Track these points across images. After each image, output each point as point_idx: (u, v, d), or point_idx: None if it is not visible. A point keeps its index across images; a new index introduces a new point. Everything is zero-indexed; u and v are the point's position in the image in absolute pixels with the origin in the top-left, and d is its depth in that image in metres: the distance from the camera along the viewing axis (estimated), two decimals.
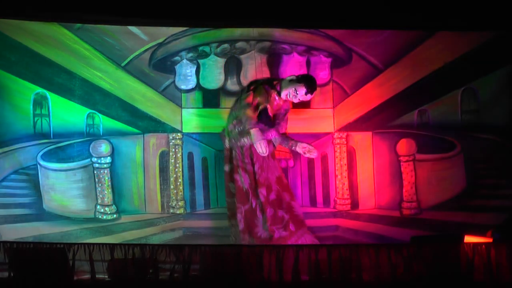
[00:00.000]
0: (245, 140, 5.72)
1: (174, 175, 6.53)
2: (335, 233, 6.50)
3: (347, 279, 4.71)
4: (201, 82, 6.63)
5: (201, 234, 6.39)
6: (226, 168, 5.87)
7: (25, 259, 4.64)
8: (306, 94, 5.76)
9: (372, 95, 6.67)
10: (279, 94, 5.79)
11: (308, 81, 5.78)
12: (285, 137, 5.92)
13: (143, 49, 6.52)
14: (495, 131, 6.55)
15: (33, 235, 6.02)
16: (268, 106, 5.72)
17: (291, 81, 5.78)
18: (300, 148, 5.81)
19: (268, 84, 5.77)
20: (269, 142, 5.78)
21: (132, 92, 6.53)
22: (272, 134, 5.78)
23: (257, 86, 5.70)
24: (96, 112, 6.47)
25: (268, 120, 5.75)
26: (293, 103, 5.96)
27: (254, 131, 5.54)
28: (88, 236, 6.22)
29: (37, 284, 4.58)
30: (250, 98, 5.62)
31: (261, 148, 5.53)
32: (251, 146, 5.70)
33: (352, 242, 6.22)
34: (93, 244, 4.78)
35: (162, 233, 6.41)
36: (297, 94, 5.74)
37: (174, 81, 6.60)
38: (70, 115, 6.42)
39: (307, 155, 5.85)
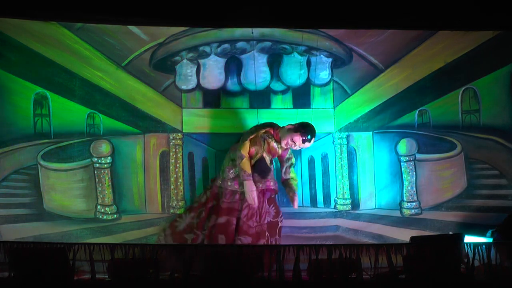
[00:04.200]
0: (234, 186, 5.82)
1: (175, 175, 6.53)
2: (335, 233, 6.50)
3: (347, 279, 4.71)
4: (201, 82, 6.63)
5: None
6: (211, 204, 5.91)
7: (25, 259, 4.63)
8: (303, 142, 5.79)
9: (372, 95, 6.67)
10: (278, 142, 5.87)
11: (303, 130, 5.79)
12: (289, 185, 6.00)
13: (143, 49, 6.52)
14: (495, 131, 6.55)
15: (33, 235, 6.03)
16: (265, 155, 5.82)
17: (288, 130, 5.82)
18: (294, 202, 5.90)
19: (266, 133, 5.84)
20: (266, 190, 5.86)
21: (132, 92, 6.53)
22: (268, 185, 5.84)
23: (255, 136, 5.79)
24: (97, 112, 6.47)
25: (264, 169, 5.82)
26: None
27: (246, 183, 5.69)
28: (88, 236, 6.22)
29: (37, 284, 4.57)
30: (246, 148, 5.74)
31: (251, 200, 5.67)
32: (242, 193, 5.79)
33: (352, 242, 6.22)
34: (94, 244, 4.77)
35: None
36: (294, 143, 5.79)
37: (174, 81, 6.61)
38: (70, 115, 6.43)
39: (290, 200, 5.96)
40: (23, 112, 6.32)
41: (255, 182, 5.76)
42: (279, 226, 5.90)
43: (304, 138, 5.77)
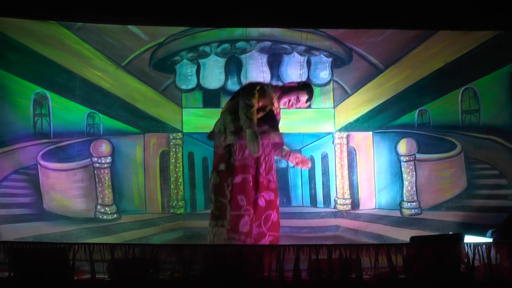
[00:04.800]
0: (242, 140, 5.28)
1: (175, 175, 6.53)
2: (335, 233, 6.51)
3: (347, 279, 4.70)
4: (201, 82, 6.64)
5: (201, 234, 6.34)
6: (222, 167, 5.34)
7: (25, 259, 4.63)
8: (306, 101, 5.66)
9: (372, 95, 6.67)
10: (277, 100, 5.56)
11: (310, 89, 5.61)
12: (283, 148, 5.59)
13: (143, 49, 6.53)
14: (495, 131, 6.56)
15: (33, 235, 6.02)
16: (273, 108, 5.48)
17: (292, 88, 5.58)
18: (293, 158, 5.55)
19: (270, 88, 5.51)
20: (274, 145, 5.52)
21: (132, 92, 6.54)
22: (277, 138, 5.57)
23: (261, 88, 5.40)
24: (97, 112, 6.48)
25: (273, 123, 5.45)
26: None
27: (251, 131, 5.13)
28: (88, 236, 6.23)
29: (37, 284, 4.57)
30: (256, 98, 5.28)
31: (254, 149, 5.13)
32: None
33: (352, 242, 6.22)
34: (94, 244, 4.75)
35: (162, 233, 6.42)
36: (299, 101, 5.60)
37: (174, 81, 6.62)
38: (70, 115, 6.43)
39: (299, 166, 5.59)
40: (23, 112, 6.32)
41: (269, 134, 5.36)
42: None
43: (309, 96, 5.57)
